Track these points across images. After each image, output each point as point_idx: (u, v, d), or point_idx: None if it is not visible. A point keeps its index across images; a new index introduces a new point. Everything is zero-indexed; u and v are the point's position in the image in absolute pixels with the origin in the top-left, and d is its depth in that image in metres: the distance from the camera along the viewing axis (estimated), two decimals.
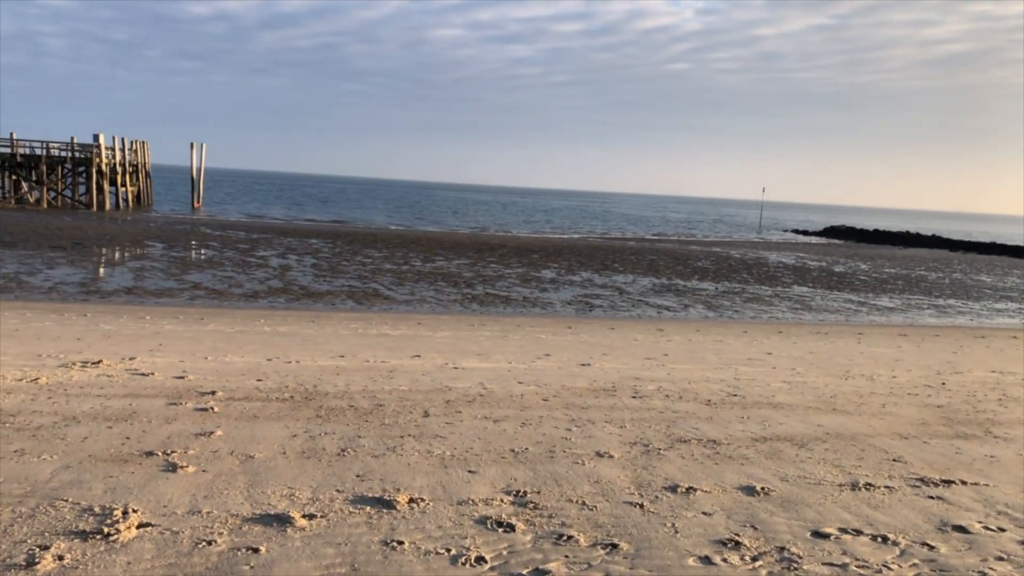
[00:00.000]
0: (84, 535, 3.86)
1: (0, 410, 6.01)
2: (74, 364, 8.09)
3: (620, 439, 6.20)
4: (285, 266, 28.02)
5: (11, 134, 52.26)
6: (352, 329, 13.18)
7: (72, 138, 52.02)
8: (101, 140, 51.83)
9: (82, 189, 52.21)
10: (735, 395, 8.29)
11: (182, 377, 7.75)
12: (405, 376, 8.48)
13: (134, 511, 4.19)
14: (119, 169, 54.09)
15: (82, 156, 50.92)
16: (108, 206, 51.93)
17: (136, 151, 58.48)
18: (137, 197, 58.51)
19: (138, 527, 4.01)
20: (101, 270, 24.46)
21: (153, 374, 7.81)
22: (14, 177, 52.27)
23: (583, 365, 10.05)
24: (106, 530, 3.92)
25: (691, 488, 5.06)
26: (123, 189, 55.02)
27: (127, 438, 5.50)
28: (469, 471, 5.19)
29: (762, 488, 5.13)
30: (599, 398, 7.79)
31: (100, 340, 10.28)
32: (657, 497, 4.87)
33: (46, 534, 3.85)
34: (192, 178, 61.73)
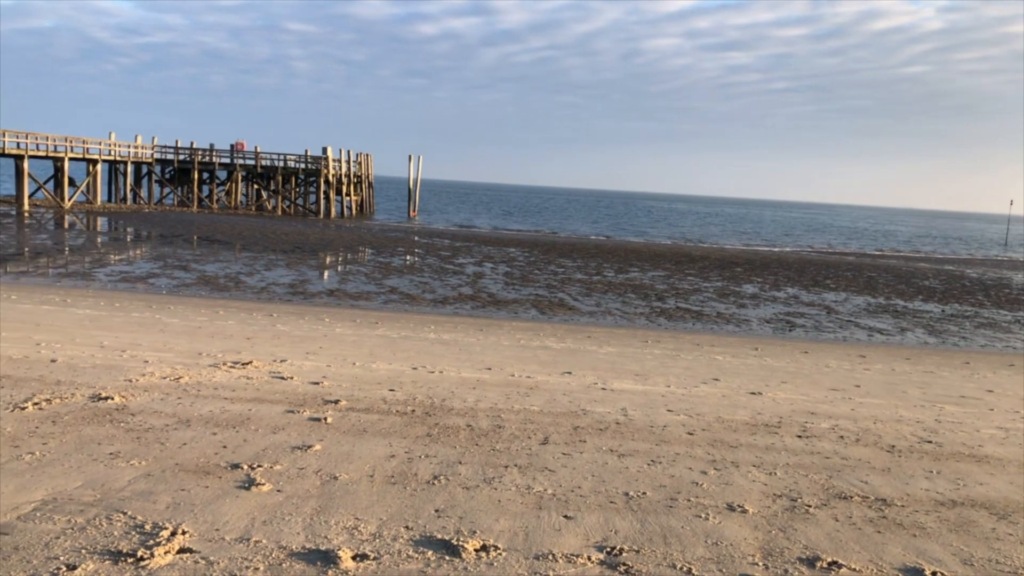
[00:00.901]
0: (118, 557, 3.60)
1: (125, 408, 6.09)
2: (224, 364, 8.24)
3: (763, 489, 5.23)
4: (479, 273, 28.41)
5: (255, 148, 57.60)
6: (515, 340, 12.79)
7: (306, 151, 56.44)
8: (329, 153, 55.81)
9: (313, 198, 56.43)
10: (929, 442, 6.93)
11: (317, 383, 7.64)
12: (543, 395, 7.89)
13: (183, 533, 3.91)
14: (344, 180, 57.96)
15: (313, 168, 55.04)
16: (333, 214, 55.75)
17: (361, 163, 62.49)
18: (360, 206, 62.46)
19: (177, 552, 3.70)
20: (311, 273, 25.94)
21: (292, 378, 7.77)
22: (256, 186, 57.57)
23: (752, 394, 8.95)
24: (141, 553, 3.64)
25: (835, 564, 4.05)
26: (347, 198, 58.92)
27: (223, 447, 5.33)
28: (565, 516, 4.50)
29: (933, 573, 4.02)
30: (756, 435, 6.76)
31: (267, 341, 10.56)
32: (786, 572, 3.92)
33: (83, 551, 3.64)
34: (409, 189, 64.91)
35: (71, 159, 45.18)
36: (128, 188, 52.23)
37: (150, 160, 53.68)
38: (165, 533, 3.89)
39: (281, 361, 8.76)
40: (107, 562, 3.56)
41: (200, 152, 54.38)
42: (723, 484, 5.29)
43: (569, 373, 9.52)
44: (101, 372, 7.33)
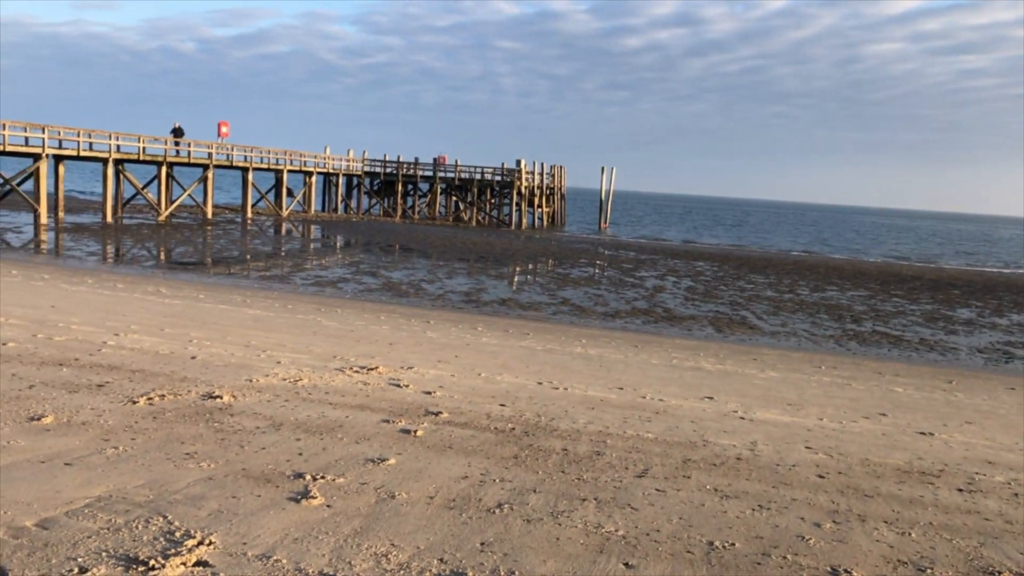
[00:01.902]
0: (131, 563, 3.53)
1: (229, 408, 6.20)
2: (350, 368, 8.30)
3: (886, 553, 4.37)
4: (659, 287, 27.55)
5: (456, 161, 59.80)
6: (668, 359, 12.06)
7: (502, 164, 57.79)
8: (522, 165, 56.78)
9: (506, 210, 57.65)
10: None
11: (430, 393, 7.48)
12: (666, 421, 7.24)
13: (208, 543, 3.79)
14: (536, 192, 58.75)
15: (507, 180, 56.24)
16: (525, 225, 56.62)
17: (554, 175, 63.12)
18: (552, 217, 63.06)
19: (192, 564, 3.57)
20: (489, 282, 26.29)
21: (407, 387, 7.66)
22: (454, 198, 59.73)
23: (921, 434, 7.77)
24: (154, 563, 3.55)
25: None
26: (539, 210, 59.66)
27: (299, 454, 5.24)
28: (625, 564, 3.95)
29: None
30: (903, 484, 5.78)
31: (407, 347, 10.61)
32: None
33: (103, 554, 3.60)
34: (601, 200, 64.70)
35: (289, 171, 49.03)
36: (339, 198, 55.90)
37: (360, 173, 57.16)
38: (191, 542, 3.79)
39: (407, 368, 8.70)
40: (119, 568, 3.49)
41: (405, 165, 57.19)
42: (836, 541, 4.49)
43: (710, 398, 8.75)
44: (229, 371, 7.58)
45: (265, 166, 47.21)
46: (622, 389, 8.76)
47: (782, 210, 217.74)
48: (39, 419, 5.44)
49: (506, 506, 4.61)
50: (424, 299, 20.79)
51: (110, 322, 9.92)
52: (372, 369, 8.34)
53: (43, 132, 33.53)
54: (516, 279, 28.44)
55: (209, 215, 42.39)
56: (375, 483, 4.81)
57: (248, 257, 28.34)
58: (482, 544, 4.06)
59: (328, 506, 4.40)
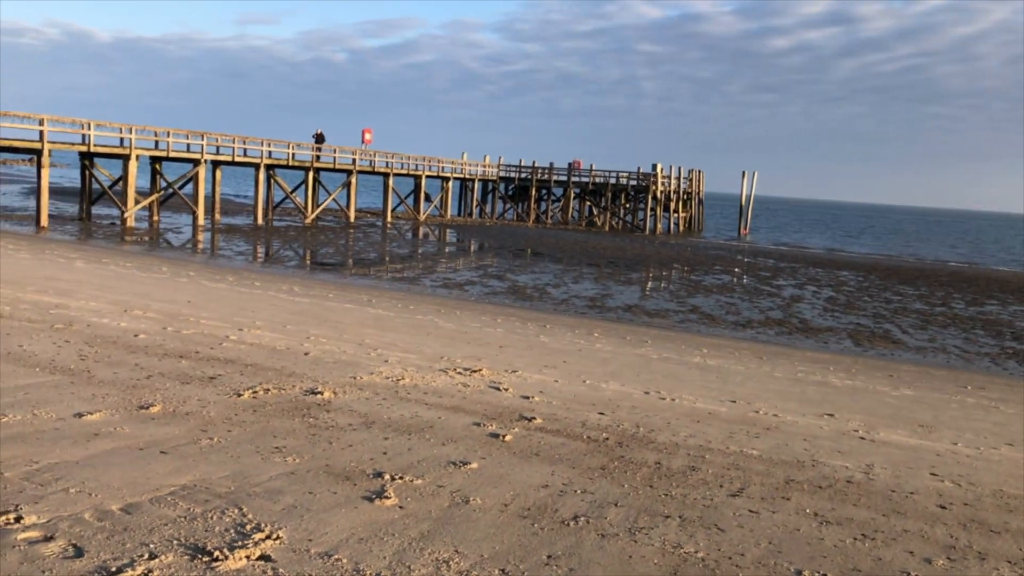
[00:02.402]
0: (197, 553, 3.61)
1: (327, 404, 6.33)
2: (454, 370, 8.32)
3: None
4: (796, 297, 26.35)
5: (591, 166, 59.66)
6: (792, 372, 11.43)
7: (638, 168, 57.11)
8: (658, 169, 55.89)
9: (641, 214, 56.90)
10: None
11: (528, 398, 7.38)
12: (775, 438, 6.82)
13: (275, 538, 3.83)
14: (672, 196, 57.65)
15: (642, 184, 55.50)
16: (659, 230, 55.68)
17: (692, 180, 61.78)
18: (688, 223, 61.72)
19: (255, 559, 3.62)
20: (616, 287, 25.96)
21: (507, 390, 7.59)
22: (588, 203, 59.55)
23: None
24: (219, 554, 3.61)
25: None
26: (675, 215, 58.51)
27: (383, 453, 5.25)
28: None
29: None
30: None
31: (517, 351, 10.56)
32: None
33: (174, 542, 3.70)
34: (741, 206, 62.76)
35: (428, 176, 50.34)
36: (474, 203, 56.90)
37: (495, 178, 57.97)
38: (259, 536, 3.84)
39: (511, 372, 8.64)
40: (185, 557, 3.57)
41: (539, 170, 57.51)
42: None
43: (830, 415, 8.19)
44: (336, 368, 7.75)
45: (405, 172, 48.67)
46: (735, 402, 8.34)
47: (939, 217, 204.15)
48: (147, 408, 5.73)
49: (582, 519, 4.43)
50: (547, 303, 20.73)
51: (238, 318, 10.41)
52: (475, 371, 8.33)
53: (202, 139, 35.93)
54: (646, 285, 27.95)
55: (351, 218, 44.11)
56: (452, 486, 4.75)
57: (383, 259, 29.24)
58: (549, 557, 3.91)
59: (400, 507, 4.37)
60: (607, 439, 6.16)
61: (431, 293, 19.69)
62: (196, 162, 35.59)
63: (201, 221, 35.20)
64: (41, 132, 29.10)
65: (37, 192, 29.84)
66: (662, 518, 4.56)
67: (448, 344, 10.31)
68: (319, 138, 43.29)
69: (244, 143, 38.47)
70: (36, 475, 4.32)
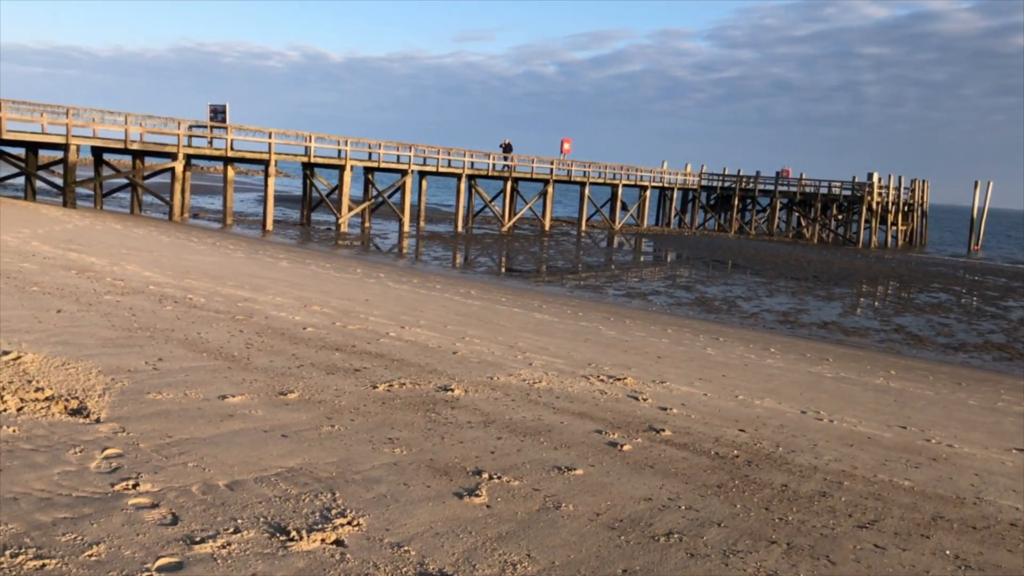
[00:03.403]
0: (277, 532, 3.79)
1: (454, 402, 6.43)
2: (597, 376, 8.19)
3: None
4: None
5: (800, 175, 56.83)
6: (994, 400, 10.17)
7: (853, 178, 53.63)
8: (875, 179, 52.17)
9: (854, 227, 53.32)
10: None
11: (666, 409, 7.10)
12: (940, 470, 6.09)
13: (355, 524, 3.94)
14: (891, 208, 53.53)
15: (856, 195, 52.02)
16: (875, 244, 51.90)
17: (914, 190, 57.07)
18: (908, 236, 57.05)
19: (331, 543, 3.75)
20: (815, 303, 24.49)
21: (645, 400, 7.35)
22: (796, 213, 56.70)
23: None
24: (295, 535, 3.77)
25: None
26: (893, 228, 54.26)
27: (491, 452, 5.26)
28: None
29: None
30: None
31: (675, 362, 10.22)
32: None
33: (260, 520, 3.90)
34: (972, 219, 57.15)
35: (625, 185, 50.14)
36: (673, 212, 55.90)
37: (696, 187, 56.64)
38: (340, 521, 3.96)
39: (659, 382, 8.36)
40: (265, 534, 3.75)
41: (744, 179, 55.53)
42: None
43: (1022, 450, 7.20)
44: (478, 368, 7.87)
45: (601, 181, 48.77)
46: (904, 428, 7.56)
47: None
48: (285, 394, 6.09)
49: (675, 536, 4.18)
50: (733, 317, 19.91)
51: (405, 316, 10.87)
52: (619, 380, 8.14)
53: (410, 151, 37.99)
54: (848, 301, 26.11)
55: (547, 227, 44.82)
56: (548, 491, 4.65)
57: (571, 267, 29.41)
58: (624, 571, 3.72)
59: (488, 506, 4.34)
60: (736, 457, 5.78)
61: (610, 302, 19.54)
62: (404, 172, 37.68)
63: (406, 228, 37.19)
64: (269, 145, 32.07)
65: (264, 199, 32.88)
66: (766, 543, 4.20)
67: (602, 351, 10.16)
68: (506, 148, 44.38)
69: (449, 154, 40.26)
70: (165, 448, 4.71)
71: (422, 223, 40.28)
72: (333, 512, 4.06)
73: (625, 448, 5.65)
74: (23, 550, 3.36)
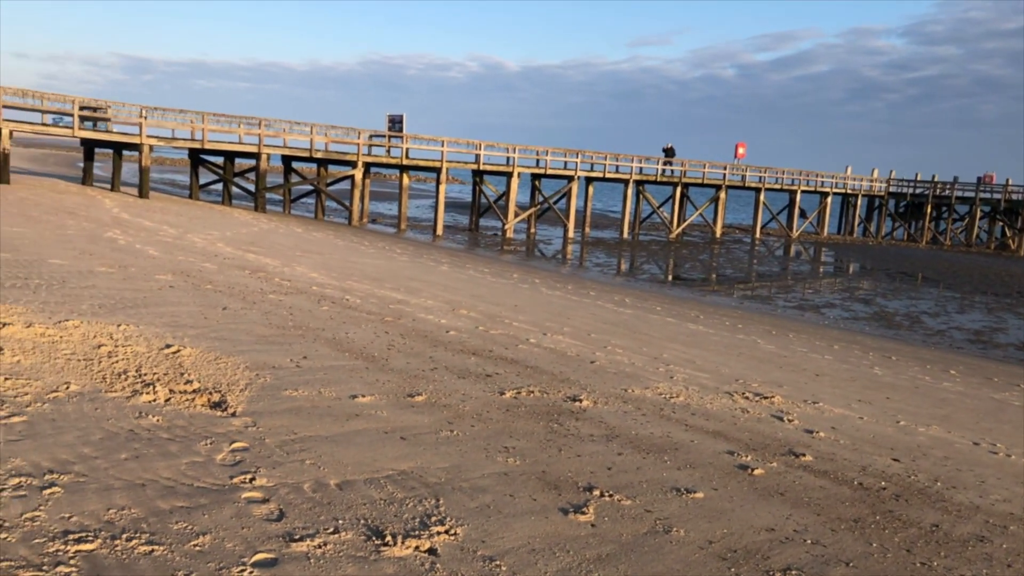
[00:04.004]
0: (373, 535, 3.82)
1: (579, 413, 6.29)
2: (742, 394, 7.76)
3: None
4: None
5: (1006, 180, 51.92)
6: None
7: None
8: None
9: None
10: None
11: (812, 432, 6.60)
12: None
13: (452, 534, 3.91)
14: None
15: None
16: None
17: None
18: None
19: (424, 551, 3.73)
20: (1015, 321, 22.24)
21: (792, 422, 6.88)
22: (1000, 223, 51.83)
23: None
24: (390, 540, 3.78)
25: None
26: None
27: (608, 468, 5.07)
28: None
29: None
30: None
31: (835, 381, 9.53)
32: None
33: (360, 522, 3.95)
34: None
35: (803, 191, 47.74)
36: (856, 221, 52.61)
37: (883, 194, 53.04)
38: (438, 529, 3.94)
39: (811, 403, 7.80)
40: (361, 537, 3.79)
41: (939, 185, 51.39)
42: None
43: None
44: (614, 379, 7.67)
45: (778, 186, 46.73)
46: None
47: None
48: (413, 396, 6.18)
49: (794, 572, 3.84)
50: (915, 334, 18.40)
51: (549, 323, 10.82)
52: (766, 398, 7.67)
53: (577, 157, 38.06)
54: None
55: (717, 234, 43.48)
56: (661, 513, 4.41)
57: (740, 276, 28.32)
58: None
59: (592, 525, 4.18)
60: (883, 489, 5.26)
61: (775, 313, 18.60)
62: (570, 178, 37.81)
63: (571, 234, 37.26)
64: (442, 153, 33.15)
65: (435, 205, 34.03)
66: None
67: (754, 366, 9.64)
68: (668, 152, 43.38)
69: (617, 160, 39.97)
70: (288, 444, 4.89)
71: (587, 229, 40.21)
72: (433, 519, 4.04)
73: (756, 472, 5.28)
74: (138, 535, 3.56)
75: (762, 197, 45.96)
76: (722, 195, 43.73)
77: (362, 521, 3.95)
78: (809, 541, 4.25)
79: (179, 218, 20.48)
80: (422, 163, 33.71)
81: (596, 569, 3.70)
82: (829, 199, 49.42)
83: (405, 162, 32.78)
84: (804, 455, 5.82)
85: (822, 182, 48.71)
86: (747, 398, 7.58)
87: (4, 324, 6.90)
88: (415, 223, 38.11)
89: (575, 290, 16.72)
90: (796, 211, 47.74)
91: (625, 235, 39.67)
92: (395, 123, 35.45)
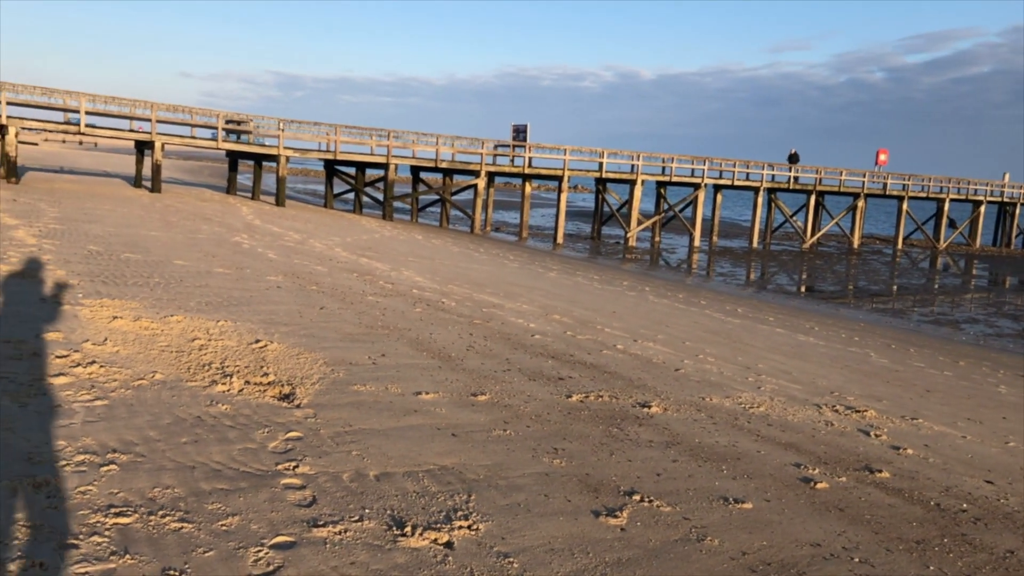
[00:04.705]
0: (395, 525, 3.89)
1: (646, 420, 6.15)
2: (832, 407, 7.37)
3: None
4: None
5: None
6: None
7: None
8: None
9: None
10: None
11: (898, 449, 6.18)
12: None
13: (473, 529, 3.93)
14: None
15: None
16: None
17: None
18: None
19: (441, 543, 3.77)
20: None
21: (878, 437, 6.46)
22: None
23: None
24: (409, 531, 3.84)
25: None
26: None
27: (656, 475, 4.94)
28: None
29: None
30: None
31: (947, 398, 8.87)
32: None
33: (386, 512, 4.03)
34: None
35: (952, 200, 44.73)
36: (1015, 231, 48.75)
37: None
38: (460, 523, 3.97)
39: (908, 419, 7.29)
40: (383, 526, 3.87)
41: None
42: None
43: None
44: (695, 387, 7.46)
45: (923, 195, 44.02)
46: None
47: None
48: (476, 395, 6.23)
49: None
50: None
51: (644, 330, 10.63)
52: (859, 411, 7.24)
53: (704, 164, 37.24)
54: None
55: (855, 244, 41.40)
56: (700, 522, 4.26)
57: (876, 288, 26.84)
58: None
59: (622, 529, 4.08)
60: (963, 511, 4.86)
61: (904, 327, 17.50)
62: (697, 186, 37.04)
63: (697, 243, 36.46)
64: (564, 161, 33.27)
65: (556, 213, 34.15)
66: None
67: (857, 380, 9.12)
68: (793, 158, 41.56)
69: (748, 167, 38.83)
70: (341, 436, 5.04)
71: (715, 238, 39.20)
72: (459, 514, 4.07)
73: (819, 486, 5.00)
74: (173, 512, 3.77)
75: (905, 206, 43.40)
76: (860, 203, 41.62)
77: (388, 512, 4.02)
78: (856, 559, 3.98)
79: (307, 225, 21.49)
80: (544, 171, 33.92)
81: (612, 572, 3.61)
82: (983, 208, 46.10)
83: (527, 171, 33.09)
84: (881, 471, 5.45)
85: (975, 190, 45.51)
86: (836, 411, 7.18)
87: (115, 317, 7.47)
88: (538, 231, 38.35)
89: (686, 299, 16.34)
90: (944, 221, 44.78)
91: (755, 244, 38.41)
92: (519, 132, 35.88)
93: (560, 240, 33.03)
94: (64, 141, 73.46)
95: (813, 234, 40.65)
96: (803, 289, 25.54)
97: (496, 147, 33.41)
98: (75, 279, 9.02)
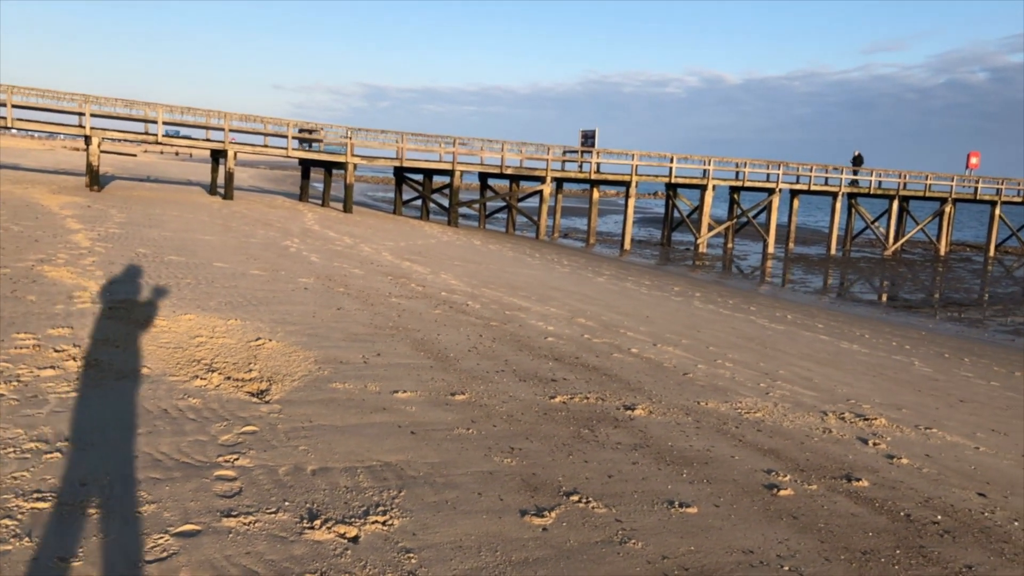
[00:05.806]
0: (309, 516, 3.89)
1: (628, 421, 6.00)
2: (841, 414, 7.02)
3: None
4: None
5: None
6: None
7: None
8: None
9: None
10: None
11: (892, 459, 5.83)
12: None
13: (386, 524, 3.91)
14: None
15: None
16: None
17: None
18: None
19: (348, 537, 3.77)
20: None
21: (875, 446, 6.12)
22: None
23: None
24: (319, 524, 3.85)
25: None
26: None
27: (607, 476, 4.80)
28: None
29: None
30: None
31: (975, 408, 8.35)
32: None
33: (306, 505, 4.04)
34: None
35: None
36: None
37: None
38: (375, 517, 3.98)
39: (923, 428, 6.89)
40: (295, 519, 3.88)
41: None
42: None
43: None
44: (697, 391, 7.24)
45: (1019, 199, 41.74)
46: None
47: None
48: (455, 395, 6.20)
49: None
50: None
51: (670, 335, 10.39)
52: (867, 419, 6.89)
53: (779, 169, 36.25)
54: None
55: (942, 252, 39.54)
56: (631, 525, 4.12)
57: (958, 297, 25.54)
58: None
59: (544, 529, 3.98)
60: (933, 523, 4.55)
61: (970, 337, 16.58)
62: (771, 191, 36.08)
63: (771, 249, 35.47)
64: (632, 167, 32.93)
65: (623, 219, 33.80)
66: None
67: (884, 388, 8.67)
68: (856, 160, 39.86)
69: (826, 171, 37.62)
70: (296, 431, 5.08)
71: (791, 244, 38.05)
72: (379, 509, 4.04)
73: (781, 493, 4.77)
74: (95, 498, 3.86)
75: (998, 211, 41.22)
76: (948, 209, 39.74)
77: (308, 505, 4.02)
78: (787, 568, 3.77)
79: (365, 230, 21.88)
80: (611, 177, 33.64)
81: (511, 572, 3.52)
82: None
83: (594, 176, 32.89)
84: (860, 480, 5.16)
85: None
86: (842, 419, 6.84)
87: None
88: (607, 237, 38.03)
89: (736, 305, 15.90)
90: None
91: (832, 251, 37.13)
92: (588, 138, 35.71)
93: (627, 246, 32.67)
94: (162, 152, 77.16)
95: (895, 240, 39.03)
96: (880, 297, 24.51)
97: (564, 153, 33.32)
98: (103, 281, 9.40)
